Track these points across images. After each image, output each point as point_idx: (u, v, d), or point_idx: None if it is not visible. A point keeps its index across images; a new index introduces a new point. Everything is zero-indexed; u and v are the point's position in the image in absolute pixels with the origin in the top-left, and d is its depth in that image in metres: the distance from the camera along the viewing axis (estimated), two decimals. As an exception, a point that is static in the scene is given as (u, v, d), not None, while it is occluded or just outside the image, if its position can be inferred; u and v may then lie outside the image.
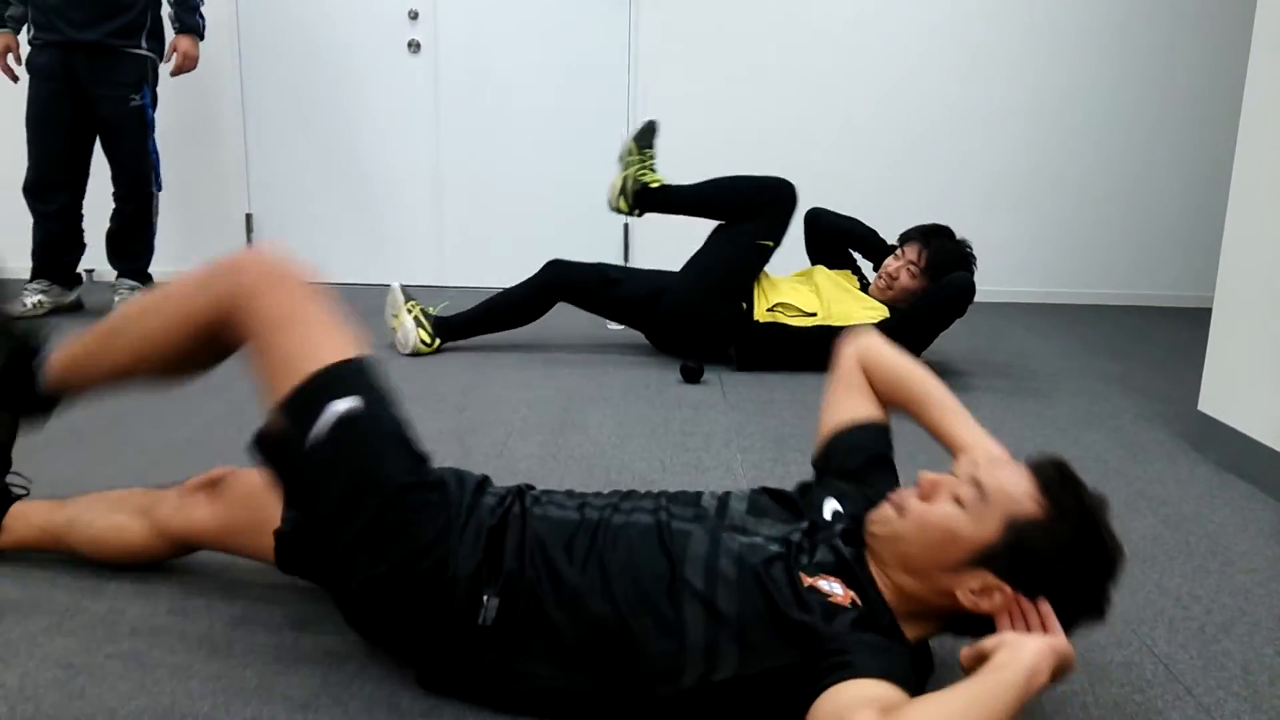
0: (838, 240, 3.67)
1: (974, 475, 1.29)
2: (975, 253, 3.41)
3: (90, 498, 1.75)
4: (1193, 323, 3.69)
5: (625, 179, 3.45)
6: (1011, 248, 4.91)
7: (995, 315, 4.51)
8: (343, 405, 1.34)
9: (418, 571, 1.31)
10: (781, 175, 3.47)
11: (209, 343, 1.49)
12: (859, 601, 1.27)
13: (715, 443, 2.61)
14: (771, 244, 3.42)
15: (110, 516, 1.70)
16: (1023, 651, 1.13)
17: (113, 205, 4.00)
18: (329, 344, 1.41)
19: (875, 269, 3.56)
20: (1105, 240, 4.98)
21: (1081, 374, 3.51)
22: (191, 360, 1.56)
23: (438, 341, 3.46)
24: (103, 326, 1.61)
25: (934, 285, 3.29)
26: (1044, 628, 1.21)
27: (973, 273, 3.34)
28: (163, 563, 1.72)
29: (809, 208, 3.70)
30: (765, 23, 4.77)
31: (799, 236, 4.07)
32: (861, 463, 1.58)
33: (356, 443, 1.34)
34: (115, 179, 3.98)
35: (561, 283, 3.48)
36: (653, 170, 3.47)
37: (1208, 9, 4.73)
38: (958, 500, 1.28)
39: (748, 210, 3.44)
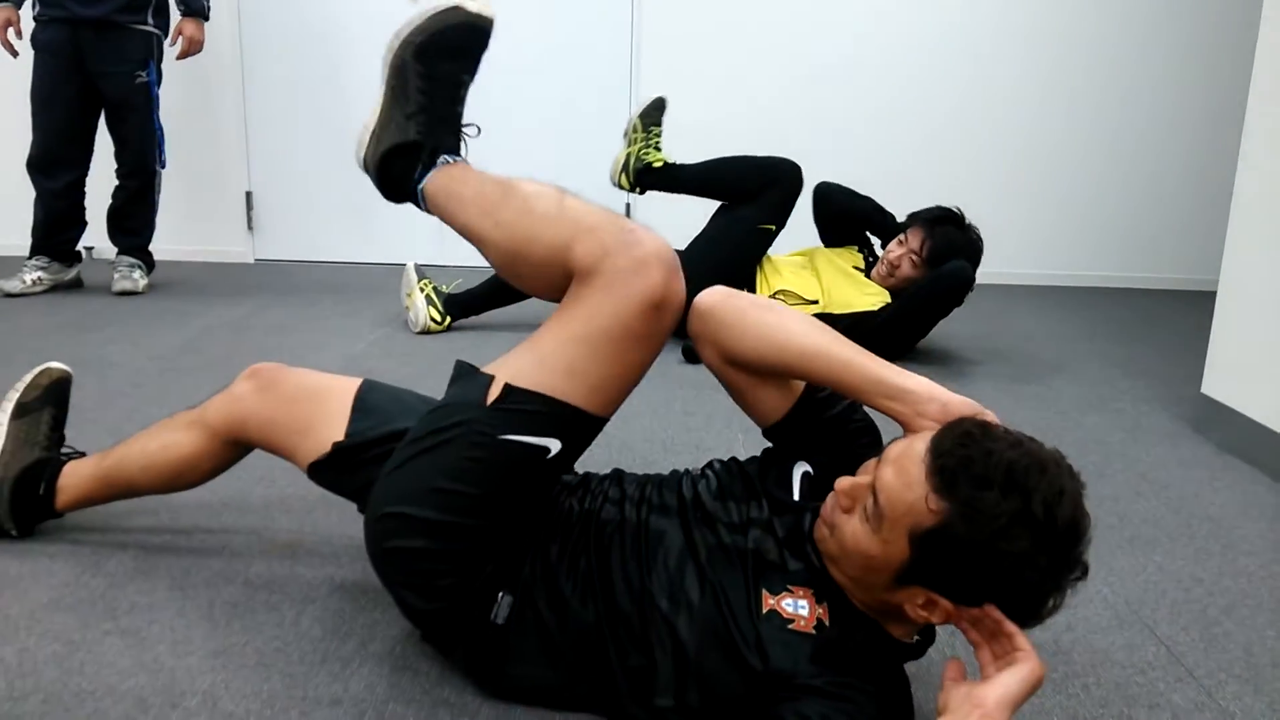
0: (846, 220, 3.64)
1: (875, 477, 1.16)
2: (983, 239, 3.39)
3: (133, 436, 1.71)
4: (1197, 306, 3.67)
5: (629, 155, 3.44)
6: (1015, 230, 4.89)
7: (998, 297, 4.50)
8: (555, 446, 1.26)
9: (455, 568, 1.28)
10: (786, 156, 3.45)
11: (563, 276, 1.31)
12: (826, 620, 1.20)
13: (717, 423, 2.60)
14: (774, 228, 3.40)
15: (158, 438, 1.66)
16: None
17: (115, 182, 3.99)
18: (610, 394, 1.31)
19: (884, 246, 3.53)
20: (1109, 223, 4.96)
21: (1084, 357, 3.50)
22: (538, 275, 1.38)
23: (448, 320, 3.45)
24: (501, 185, 1.53)
25: (930, 274, 3.26)
26: (1003, 633, 1.10)
27: (976, 263, 3.31)
28: (221, 471, 1.67)
29: (819, 181, 3.67)
30: (771, 6, 4.73)
31: (806, 215, 4.06)
32: (825, 439, 1.42)
33: (523, 476, 1.28)
34: (119, 156, 3.96)
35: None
36: (657, 149, 3.46)
37: (1220, 2, 4.70)
38: (866, 515, 1.16)
39: (751, 192, 3.42)
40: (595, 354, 1.26)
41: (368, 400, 1.52)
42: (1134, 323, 4.15)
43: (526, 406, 1.26)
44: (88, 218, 4.05)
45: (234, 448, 1.64)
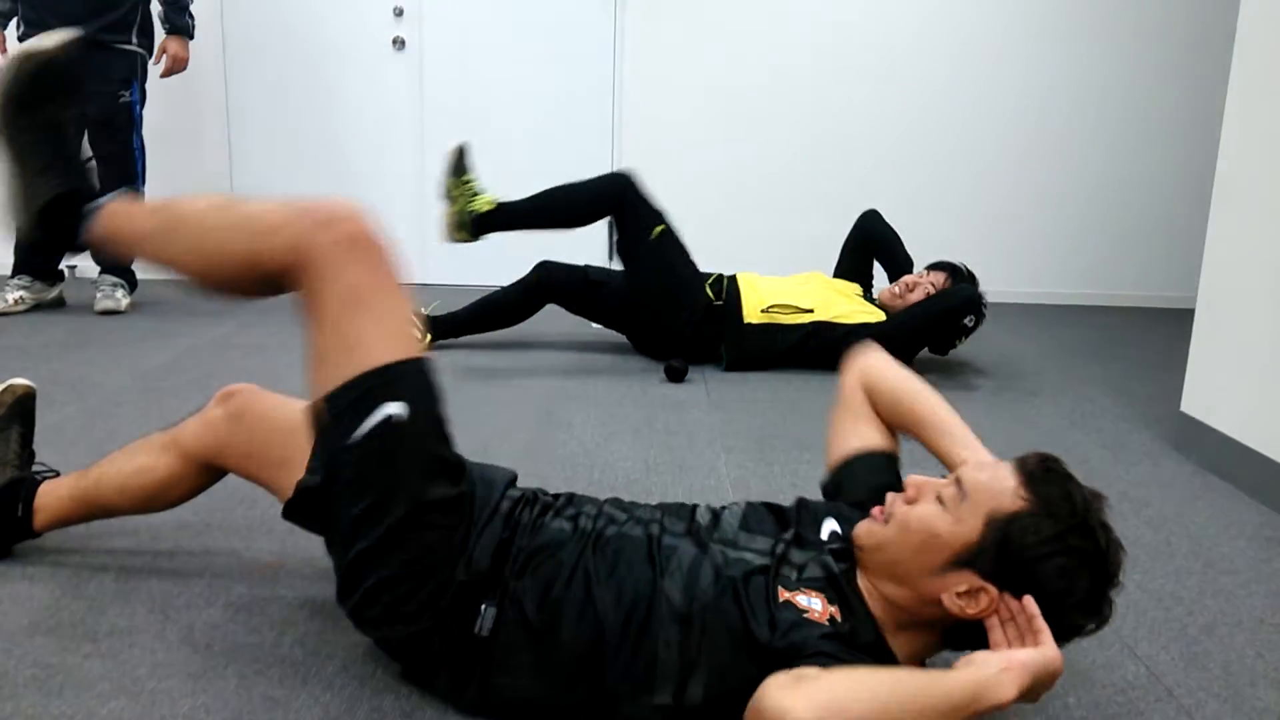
0: (877, 248, 3.69)
1: (956, 475, 1.28)
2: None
3: (109, 456, 1.70)
4: (1175, 324, 3.71)
5: (458, 213, 3.36)
6: (994, 249, 4.92)
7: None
8: (393, 409, 1.30)
9: (423, 577, 1.29)
10: (612, 171, 3.53)
11: (264, 281, 1.39)
12: (838, 617, 1.25)
13: (699, 442, 2.60)
14: (661, 226, 3.42)
15: (134, 460, 1.65)
16: (985, 665, 1.10)
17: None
18: (395, 338, 1.34)
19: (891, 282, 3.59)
20: (1088, 241, 5.00)
21: (1064, 375, 3.52)
22: (238, 287, 1.45)
23: (429, 339, 3.45)
24: (167, 213, 1.50)
25: (936, 294, 3.33)
26: (1030, 630, 1.17)
27: (975, 322, 3.37)
28: (197, 494, 1.67)
29: (868, 209, 3.73)
30: (752, 22, 4.76)
31: (790, 235, 4.10)
32: (868, 494, 1.49)
33: (394, 449, 1.30)
34: (102, 175, 3.95)
35: (549, 285, 3.48)
36: (478, 194, 3.37)
37: (1192, 10, 4.75)
38: (939, 500, 1.25)
39: (589, 216, 3.45)
40: (356, 321, 1.33)
41: None
42: (1113, 341, 4.18)
43: (344, 401, 1.31)
44: None
45: (211, 472, 1.64)
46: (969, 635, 1.25)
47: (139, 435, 2.44)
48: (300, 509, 1.41)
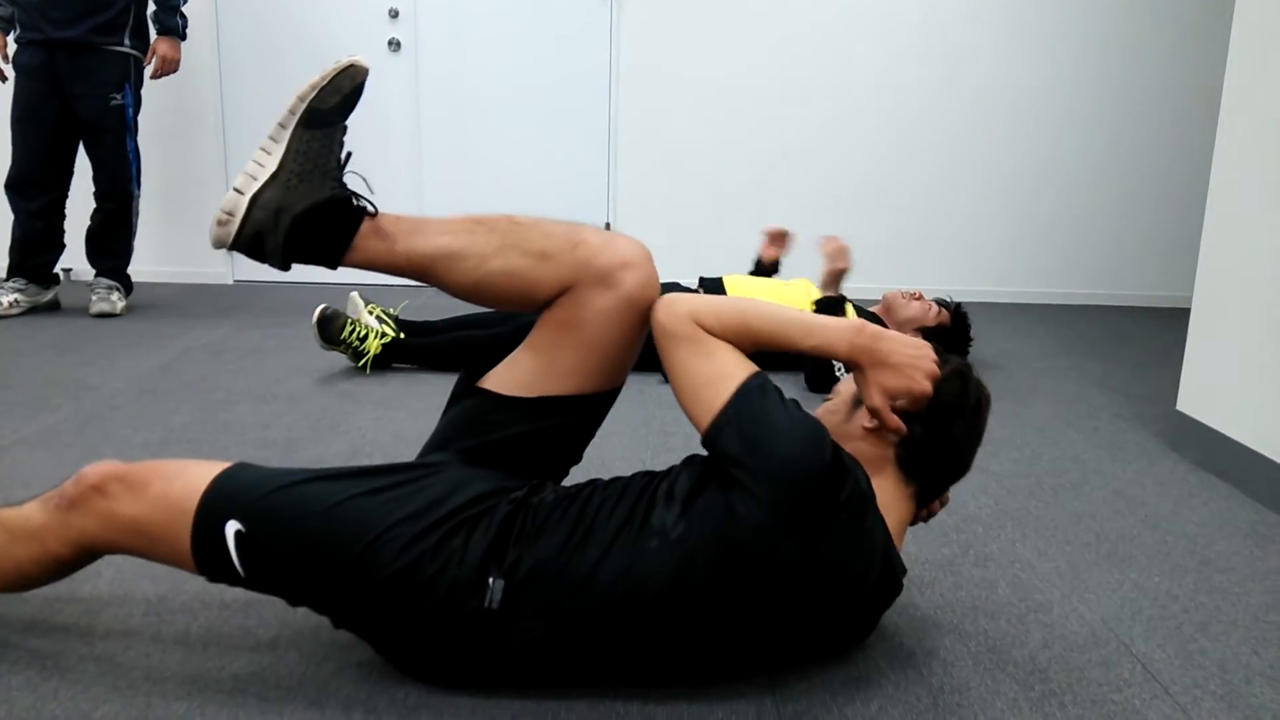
0: None
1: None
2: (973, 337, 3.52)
3: (464, 224, 1.51)
4: (1172, 323, 3.71)
5: (356, 362, 3.24)
6: (992, 248, 4.93)
7: (975, 315, 4.51)
8: (231, 527, 1.30)
9: (416, 586, 1.30)
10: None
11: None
12: None
13: (695, 443, 2.59)
14: None
15: (501, 261, 1.48)
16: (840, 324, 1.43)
17: (93, 204, 3.98)
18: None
19: None
20: (1086, 241, 5.01)
21: (1061, 374, 3.52)
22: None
23: (401, 335, 3.29)
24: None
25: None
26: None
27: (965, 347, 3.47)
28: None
29: None
30: (747, 24, 4.77)
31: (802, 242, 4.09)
32: None
33: (263, 558, 1.33)
34: (96, 178, 3.95)
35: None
36: (365, 339, 3.21)
37: (1187, 12, 4.76)
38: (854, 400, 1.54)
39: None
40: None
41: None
42: (1110, 340, 4.18)
43: (200, 551, 1.34)
44: (66, 240, 4.04)
45: None
46: (919, 466, 1.48)
47: (134, 438, 2.45)
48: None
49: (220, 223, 1.43)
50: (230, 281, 4.91)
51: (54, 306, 4.08)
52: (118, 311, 3.98)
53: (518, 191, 4.88)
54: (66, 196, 3.96)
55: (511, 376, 1.53)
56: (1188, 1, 4.75)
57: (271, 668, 1.43)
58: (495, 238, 1.46)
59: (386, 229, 1.48)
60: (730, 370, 1.40)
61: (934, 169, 4.90)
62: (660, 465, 2.38)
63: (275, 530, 1.31)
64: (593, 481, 1.48)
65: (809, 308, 3.40)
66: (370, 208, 1.50)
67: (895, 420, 1.40)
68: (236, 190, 1.43)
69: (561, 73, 4.80)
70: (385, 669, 1.43)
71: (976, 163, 4.91)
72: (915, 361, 1.39)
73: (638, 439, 2.61)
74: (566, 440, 1.56)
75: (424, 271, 1.49)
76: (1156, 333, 4.29)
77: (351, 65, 1.49)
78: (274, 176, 1.43)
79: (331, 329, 3.16)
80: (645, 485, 1.43)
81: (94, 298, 3.98)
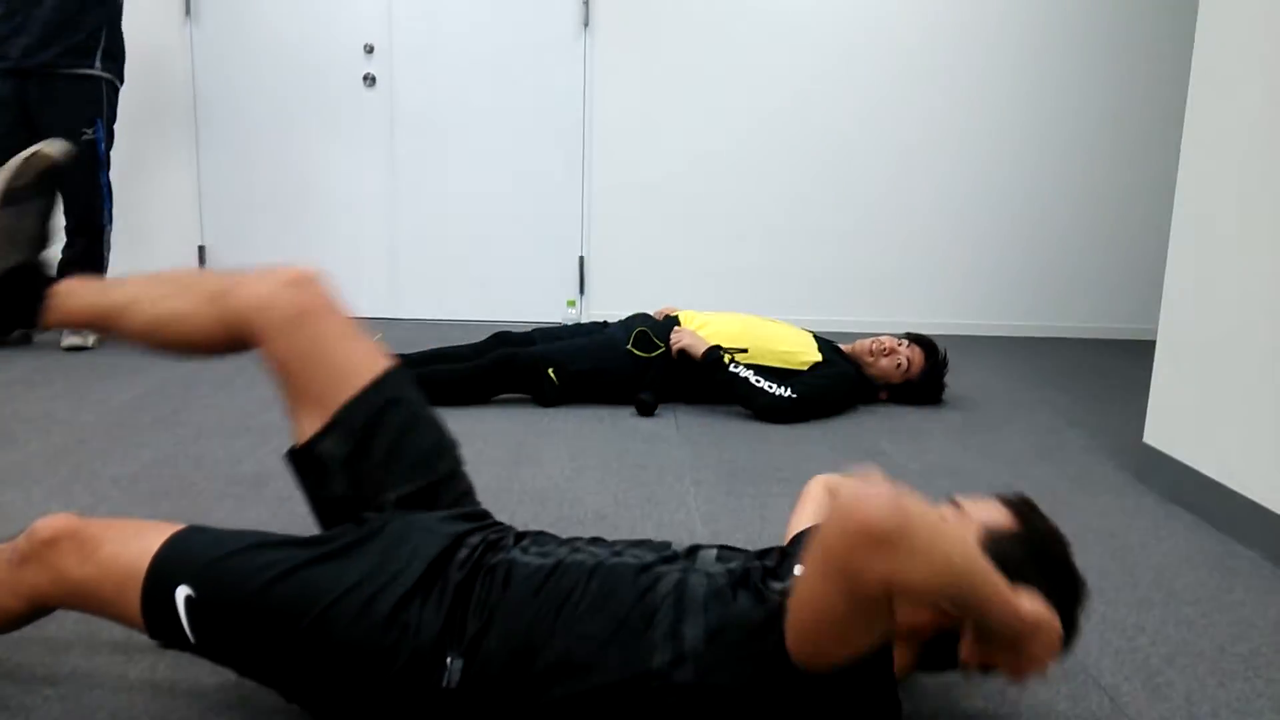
0: None
1: (951, 499, 1.38)
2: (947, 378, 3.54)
3: (146, 278, 1.63)
4: (1140, 355, 3.75)
5: None
6: (961, 281, 4.99)
7: (948, 349, 4.56)
8: (181, 593, 1.29)
9: (371, 657, 1.27)
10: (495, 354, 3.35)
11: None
12: None
13: (669, 476, 2.61)
14: (549, 367, 3.31)
15: (171, 302, 1.57)
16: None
17: (63, 238, 3.97)
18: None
19: None
20: (1054, 274, 5.07)
21: (1030, 407, 3.56)
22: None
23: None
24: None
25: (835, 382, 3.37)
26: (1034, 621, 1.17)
27: (938, 386, 3.48)
28: (217, 356, 1.62)
29: None
30: (722, 59, 4.83)
31: (750, 264, 4.12)
32: None
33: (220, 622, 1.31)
34: (66, 211, 3.94)
35: (508, 378, 3.34)
36: None
37: (1154, 50, 4.85)
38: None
39: (475, 396, 3.32)
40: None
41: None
42: (1081, 373, 4.23)
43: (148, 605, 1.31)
44: None
45: (241, 346, 1.58)
46: (942, 651, 1.27)
47: (104, 473, 2.43)
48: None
49: None
50: (203, 314, 4.89)
51: (26, 340, 4.05)
52: (89, 345, 3.96)
53: (490, 226, 4.91)
54: None
55: (307, 427, 1.50)
56: (1152, 35, 4.85)
57: (239, 707, 1.42)
58: (169, 286, 1.59)
59: (76, 289, 1.62)
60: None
61: (908, 204, 4.96)
62: (631, 503, 2.39)
63: (226, 597, 1.29)
64: (570, 545, 1.44)
65: (765, 337, 3.39)
66: (53, 273, 1.67)
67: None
68: None
69: (536, 106, 4.84)
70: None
71: (950, 199, 4.97)
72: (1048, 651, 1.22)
73: (610, 473, 2.61)
74: (411, 435, 1.54)
75: (111, 322, 1.59)
76: (1126, 365, 4.35)
77: (35, 154, 1.68)
78: None
79: None
80: (639, 594, 1.32)
81: (65, 331, 3.95)
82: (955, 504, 1.37)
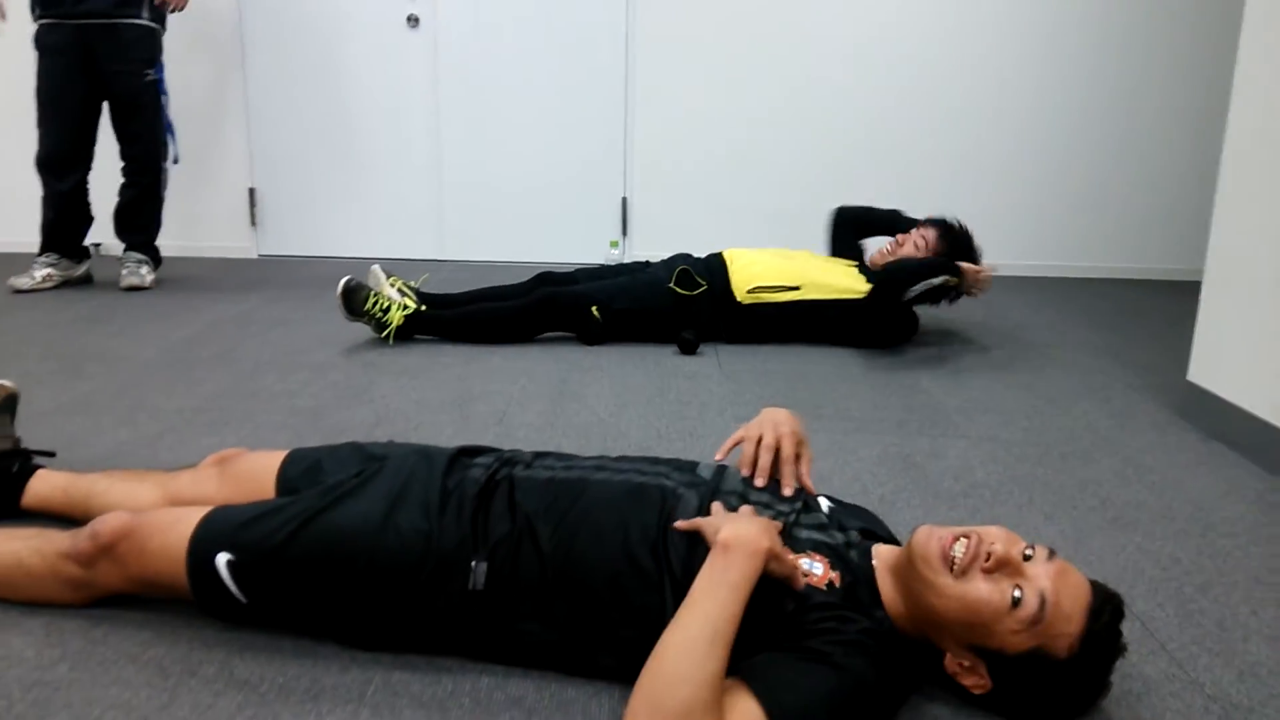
0: (859, 224, 3.71)
1: (1047, 588, 1.23)
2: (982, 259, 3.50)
3: (112, 472, 1.82)
4: (1186, 295, 3.73)
5: (377, 331, 3.30)
6: (1006, 222, 4.95)
7: (992, 289, 4.55)
8: (221, 558, 1.39)
9: (399, 573, 1.37)
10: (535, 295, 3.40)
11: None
12: (837, 584, 1.31)
13: (710, 412, 2.66)
14: (594, 306, 3.34)
15: (124, 484, 1.75)
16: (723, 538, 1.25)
17: (120, 179, 4.05)
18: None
19: None
20: (1100, 214, 5.01)
21: (1074, 346, 3.56)
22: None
23: (423, 308, 3.34)
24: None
25: (894, 263, 3.36)
26: None
27: (955, 290, 3.39)
28: None
29: (838, 206, 3.80)
30: (766, 7, 4.78)
31: (785, 209, 4.12)
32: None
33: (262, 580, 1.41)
34: (127, 154, 4.02)
35: (551, 316, 3.38)
36: (388, 310, 3.27)
37: (1206, -15, 4.74)
38: (1014, 592, 1.23)
39: (520, 334, 3.37)
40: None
41: (286, 474, 1.67)
42: (1124, 313, 4.21)
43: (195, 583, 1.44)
44: (94, 213, 4.12)
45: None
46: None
47: (165, 407, 2.53)
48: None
49: None
50: (255, 256, 4.99)
51: (86, 280, 4.17)
52: (147, 285, 4.06)
53: (535, 167, 4.93)
54: (90, 171, 4.05)
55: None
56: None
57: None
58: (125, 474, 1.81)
59: (48, 477, 1.81)
60: None
61: (950, 144, 4.91)
62: (674, 436, 2.45)
63: (260, 553, 1.39)
64: (597, 462, 1.54)
65: (816, 271, 3.43)
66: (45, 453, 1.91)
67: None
68: None
69: (578, 46, 4.83)
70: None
71: (992, 137, 4.91)
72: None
73: (652, 409, 2.66)
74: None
75: (79, 506, 1.74)
76: (1171, 305, 4.31)
77: None
78: None
79: (355, 300, 3.23)
80: (658, 507, 1.40)
81: (124, 271, 4.06)
82: (1043, 604, 1.22)
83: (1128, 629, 1.57)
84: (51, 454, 1.92)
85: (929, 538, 1.29)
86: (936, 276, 3.21)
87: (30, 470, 1.81)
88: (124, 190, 4.07)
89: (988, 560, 1.25)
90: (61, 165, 3.95)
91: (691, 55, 4.83)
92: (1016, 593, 1.22)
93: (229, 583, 1.39)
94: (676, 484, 1.44)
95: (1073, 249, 5.06)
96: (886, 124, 4.89)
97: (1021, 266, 5.03)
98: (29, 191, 4.01)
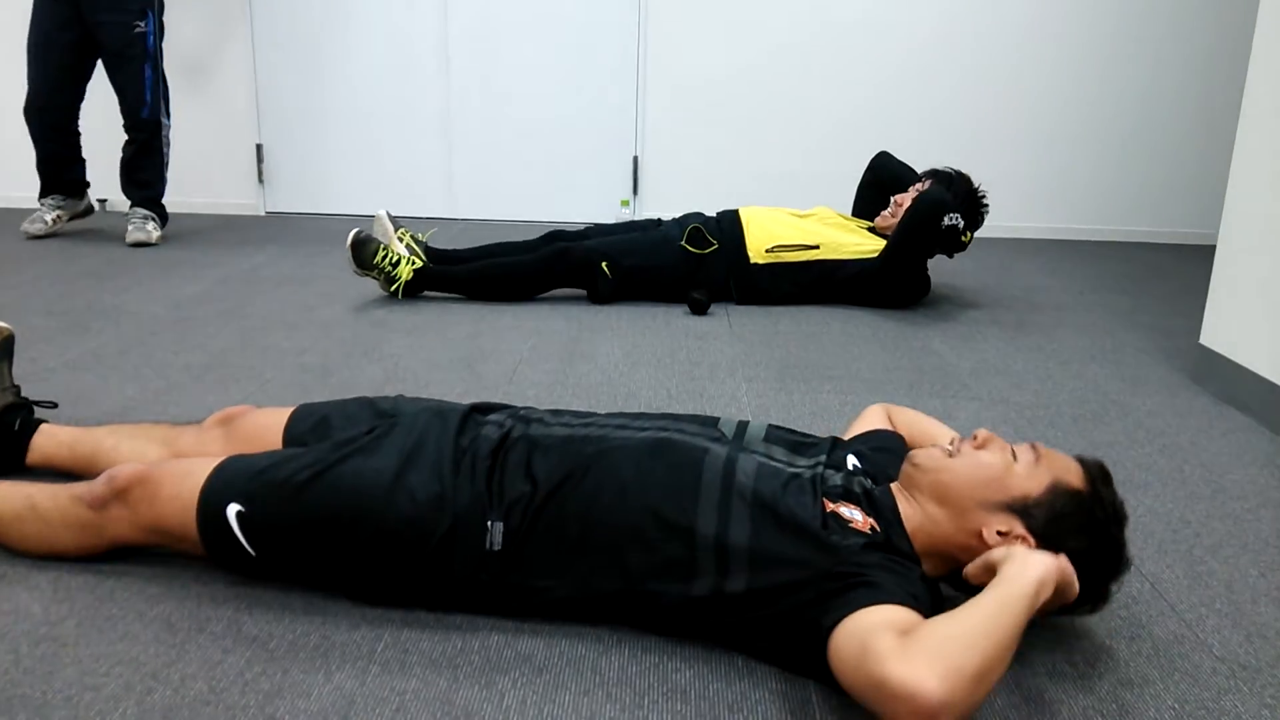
0: (891, 182, 3.67)
1: (1032, 444, 1.41)
2: (987, 200, 3.44)
3: (117, 426, 1.81)
4: (1199, 259, 3.70)
5: (384, 286, 3.30)
6: (1020, 184, 4.90)
7: (1003, 251, 4.52)
8: (233, 508, 1.39)
9: (412, 532, 1.37)
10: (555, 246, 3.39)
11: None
12: (877, 528, 1.33)
13: (720, 372, 2.65)
14: (604, 262, 3.31)
15: (131, 441, 1.75)
16: (1029, 564, 1.20)
17: (124, 135, 4.04)
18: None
19: None
20: (1115, 177, 4.96)
21: (1086, 309, 3.53)
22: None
23: (426, 264, 3.33)
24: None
25: (908, 206, 3.30)
26: None
27: (970, 209, 3.36)
28: None
29: (879, 151, 3.75)
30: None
31: (800, 170, 4.09)
32: (884, 452, 1.61)
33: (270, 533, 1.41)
34: (122, 107, 4.00)
35: (564, 272, 3.36)
36: (397, 265, 3.25)
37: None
38: (1014, 455, 1.38)
39: (533, 290, 3.36)
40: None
41: (290, 433, 1.68)
42: (1137, 276, 4.18)
43: (205, 532, 1.43)
44: (99, 168, 4.14)
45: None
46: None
47: (173, 362, 2.53)
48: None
49: None
50: (262, 213, 4.97)
51: (89, 211, 4.27)
52: (153, 241, 4.05)
53: (545, 125, 4.89)
54: (78, 115, 4.07)
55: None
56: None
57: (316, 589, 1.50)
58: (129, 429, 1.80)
59: (68, 430, 1.82)
60: None
61: (965, 105, 4.85)
62: (684, 397, 2.44)
63: (270, 505, 1.39)
64: (618, 419, 1.53)
65: (834, 231, 3.41)
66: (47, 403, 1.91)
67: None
68: None
69: (590, 5, 4.77)
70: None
71: (1007, 101, 4.85)
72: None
73: (663, 369, 2.65)
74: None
75: (86, 463, 1.75)
76: (1185, 269, 4.27)
77: None
78: None
79: (365, 253, 3.21)
80: (686, 460, 1.39)
81: (130, 227, 4.05)
82: (1036, 450, 1.39)
83: (1137, 589, 1.58)
84: (54, 405, 1.92)
85: (928, 449, 1.45)
86: (939, 219, 3.21)
87: (33, 425, 1.80)
88: (125, 147, 4.06)
89: (975, 440, 1.41)
90: (45, 110, 3.98)
91: (705, 13, 4.77)
92: (1011, 453, 1.39)
93: (238, 534, 1.39)
94: (699, 437, 1.43)
95: (1088, 211, 5.01)
96: (903, 86, 4.83)
97: (1035, 229, 4.99)
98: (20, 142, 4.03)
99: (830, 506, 1.33)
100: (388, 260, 3.23)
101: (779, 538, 1.29)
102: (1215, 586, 1.61)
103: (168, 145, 4.11)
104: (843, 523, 1.31)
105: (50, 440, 1.79)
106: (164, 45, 4.03)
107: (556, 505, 1.36)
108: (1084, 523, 1.33)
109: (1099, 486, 1.36)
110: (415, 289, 3.29)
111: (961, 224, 3.25)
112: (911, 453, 1.45)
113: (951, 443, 1.45)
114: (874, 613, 1.17)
